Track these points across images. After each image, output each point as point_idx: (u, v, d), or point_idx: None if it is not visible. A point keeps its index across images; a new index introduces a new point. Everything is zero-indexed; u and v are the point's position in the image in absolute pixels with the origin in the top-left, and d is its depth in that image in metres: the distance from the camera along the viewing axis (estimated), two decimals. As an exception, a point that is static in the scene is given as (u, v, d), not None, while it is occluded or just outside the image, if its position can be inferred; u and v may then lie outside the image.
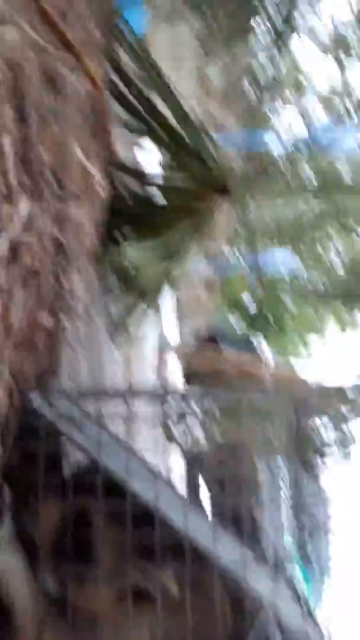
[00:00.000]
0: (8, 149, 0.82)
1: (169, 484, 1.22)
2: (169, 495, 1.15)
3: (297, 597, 1.16)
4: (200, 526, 1.11)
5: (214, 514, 1.47)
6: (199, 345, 5.45)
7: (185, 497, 1.14)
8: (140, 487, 1.06)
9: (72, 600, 0.97)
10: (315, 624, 1.19)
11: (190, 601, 0.97)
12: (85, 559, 0.98)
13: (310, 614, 1.21)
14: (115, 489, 1.06)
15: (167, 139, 2.38)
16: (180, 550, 1.01)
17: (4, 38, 0.78)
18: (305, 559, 1.41)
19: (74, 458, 1.14)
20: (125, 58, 2.36)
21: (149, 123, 2.37)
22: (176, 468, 2.76)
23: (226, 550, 1.09)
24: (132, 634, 0.93)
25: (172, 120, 2.38)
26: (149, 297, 2.36)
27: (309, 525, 1.39)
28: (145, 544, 1.01)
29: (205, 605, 0.97)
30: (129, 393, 1.32)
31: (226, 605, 1.02)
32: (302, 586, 1.46)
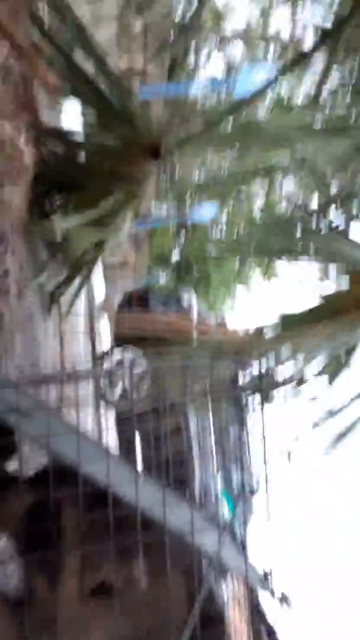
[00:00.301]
0: None
1: (119, 460, 1.28)
2: (122, 472, 1.21)
3: (219, 527, 1.27)
4: (126, 478, 1.18)
5: (144, 464, 1.56)
6: (128, 306, 5.45)
7: (135, 471, 1.20)
8: (93, 469, 1.11)
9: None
10: (238, 549, 1.32)
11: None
12: (46, 547, 1.03)
13: (233, 542, 1.34)
14: (68, 474, 1.10)
15: (93, 99, 2.28)
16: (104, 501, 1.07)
17: None
18: (230, 493, 1.55)
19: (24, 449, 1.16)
20: (46, 17, 2.19)
21: (74, 83, 2.25)
22: (110, 426, 2.85)
23: (149, 494, 1.16)
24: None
25: (98, 80, 2.27)
26: (82, 269, 2.32)
27: (235, 464, 1.53)
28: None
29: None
30: (68, 375, 1.34)
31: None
32: (230, 519, 1.59)
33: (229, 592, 1.32)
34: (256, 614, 1.26)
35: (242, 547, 1.31)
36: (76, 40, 2.19)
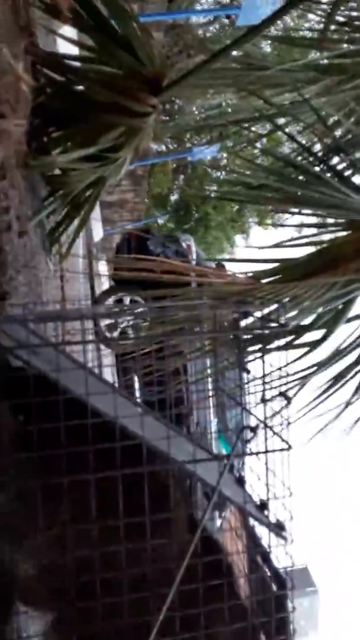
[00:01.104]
0: None
1: (125, 396, 1.31)
2: (126, 405, 1.24)
3: (217, 459, 1.33)
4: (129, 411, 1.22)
5: (143, 400, 1.61)
6: (127, 246, 5.39)
7: (139, 405, 1.24)
8: (100, 402, 1.14)
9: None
10: (235, 481, 1.39)
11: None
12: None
13: (232, 476, 1.41)
14: (76, 406, 1.13)
15: (92, 24, 2.14)
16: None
17: None
18: (225, 431, 1.60)
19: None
20: None
21: (73, 8, 2.10)
22: (109, 365, 2.91)
23: (152, 431, 1.22)
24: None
25: (98, 5, 2.12)
26: (81, 206, 2.27)
27: (228, 404, 1.57)
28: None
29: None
30: (71, 313, 1.34)
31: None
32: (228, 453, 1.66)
33: (226, 523, 1.39)
34: (252, 543, 1.33)
35: (240, 480, 1.37)
36: None
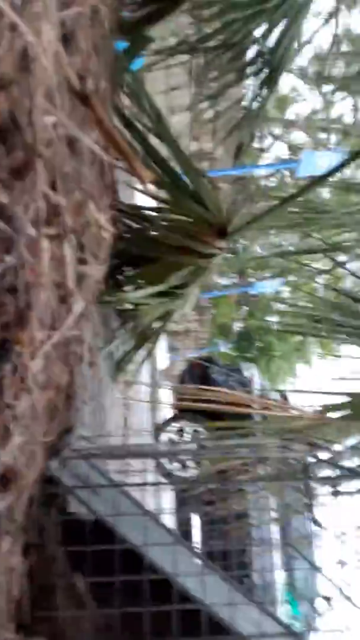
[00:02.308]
0: (69, 255, 0.82)
1: (186, 547, 1.20)
2: (185, 561, 1.14)
3: (287, 633, 1.15)
4: (190, 568, 1.11)
5: (205, 551, 1.46)
6: (189, 375, 5.45)
7: (199, 564, 1.12)
8: (157, 556, 1.05)
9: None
10: None
11: None
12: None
13: None
14: (133, 558, 1.05)
15: (167, 180, 2.42)
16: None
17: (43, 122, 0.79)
18: (295, 596, 1.40)
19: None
20: (121, 98, 2.41)
21: (147, 163, 2.40)
22: (167, 505, 2.74)
23: (214, 592, 1.08)
24: None
25: (170, 161, 2.42)
26: (150, 339, 2.36)
27: (299, 562, 1.39)
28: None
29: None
30: (133, 451, 1.31)
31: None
32: (294, 623, 1.44)
33: None
34: None
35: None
36: (153, 127, 2.37)
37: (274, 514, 2.22)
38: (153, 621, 1.04)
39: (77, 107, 1.23)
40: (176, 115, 3.28)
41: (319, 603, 1.25)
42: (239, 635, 1.05)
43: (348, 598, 1.04)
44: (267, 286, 6.75)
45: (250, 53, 3.13)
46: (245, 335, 10.54)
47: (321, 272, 4.02)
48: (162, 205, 2.56)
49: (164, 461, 3.47)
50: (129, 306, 2.31)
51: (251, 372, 5.95)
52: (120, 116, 2.23)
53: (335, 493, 1.40)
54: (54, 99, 0.86)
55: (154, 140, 2.44)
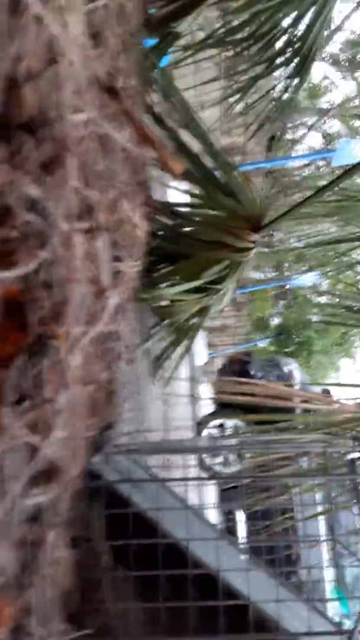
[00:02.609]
0: (102, 249, 0.82)
1: (230, 541, 1.19)
2: (230, 556, 1.12)
3: (339, 634, 1.12)
4: (236, 564, 1.09)
5: (250, 547, 1.43)
6: (228, 371, 5.42)
7: (245, 559, 1.11)
8: (201, 551, 1.04)
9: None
10: None
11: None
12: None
13: None
14: (176, 552, 1.04)
15: (199, 175, 2.40)
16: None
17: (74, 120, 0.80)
18: (344, 593, 1.36)
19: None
20: (151, 94, 2.42)
21: (178, 159, 2.39)
22: (211, 500, 2.73)
23: (260, 588, 1.06)
24: None
25: (202, 156, 2.40)
26: (187, 334, 2.35)
27: (347, 558, 1.34)
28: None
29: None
30: (175, 447, 1.31)
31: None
32: (343, 621, 1.39)
33: None
34: None
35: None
36: (183, 122, 2.36)
37: (319, 509, 2.17)
38: (199, 617, 1.03)
39: (107, 103, 1.24)
40: (206, 110, 3.25)
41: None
42: (286, 632, 1.03)
43: None
44: (305, 279, 6.62)
45: (280, 43, 3.07)
46: (283, 330, 10.39)
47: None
48: (195, 201, 2.55)
49: (206, 456, 3.45)
50: (165, 303, 2.31)
51: (290, 367, 5.85)
52: (150, 113, 2.23)
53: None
54: (83, 94, 0.86)
55: (184, 136, 2.44)
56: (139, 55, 1.85)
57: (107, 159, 1.08)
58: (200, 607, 1.03)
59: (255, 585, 1.04)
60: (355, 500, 1.37)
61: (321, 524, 2.22)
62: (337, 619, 1.36)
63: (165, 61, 2.78)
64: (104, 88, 1.06)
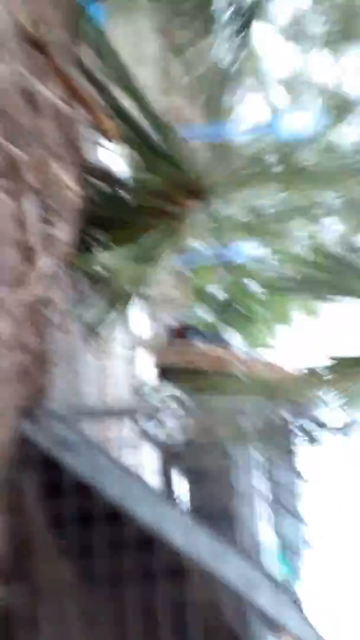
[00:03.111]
0: (29, 211, 0.78)
1: (168, 500, 1.22)
2: (171, 514, 1.15)
3: (274, 583, 1.19)
4: (176, 522, 1.13)
5: (190, 508, 1.49)
6: (169, 339, 5.46)
7: (185, 515, 1.14)
8: (139, 511, 1.06)
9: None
10: (295, 608, 1.23)
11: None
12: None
13: (289, 599, 1.24)
14: (114, 516, 1.05)
15: (137, 140, 2.34)
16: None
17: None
18: (281, 544, 1.45)
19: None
20: (86, 53, 2.30)
21: (113, 120, 2.31)
22: (150, 463, 2.78)
23: (202, 544, 1.11)
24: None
25: (140, 119, 2.33)
26: (122, 302, 2.33)
27: (283, 511, 1.43)
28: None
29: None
30: (113, 411, 1.31)
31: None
32: (280, 571, 1.50)
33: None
34: None
35: (298, 604, 1.21)
36: (119, 82, 2.27)
37: (257, 469, 2.26)
38: (141, 577, 1.06)
39: (33, 56, 1.16)
40: (143, 69, 3.14)
41: (303, 552, 1.29)
42: (225, 584, 1.07)
43: (332, 545, 1.08)
44: (246, 250, 6.72)
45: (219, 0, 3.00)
46: (224, 301, 10.55)
47: (301, 232, 4.00)
48: (131, 165, 2.48)
49: (143, 420, 3.48)
50: (100, 270, 2.26)
51: (231, 337, 5.99)
52: (81, 69, 2.12)
53: (314, 446, 1.44)
54: (5, 44, 0.80)
55: (119, 96, 2.34)
56: (70, 6, 1.75)
57: (34, 116, 1.02)
58: (141, 567, 1.05)
59: (194, 542, 1.08)
60: (289, 460, 1.44)
61: (259, 482, 2.32)
62: (273, 570, 1.45)
63: (98, 14, 2.65)
64: (29, 39, 1.00)
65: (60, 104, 1.16)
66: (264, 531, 2.21)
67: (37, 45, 1.16)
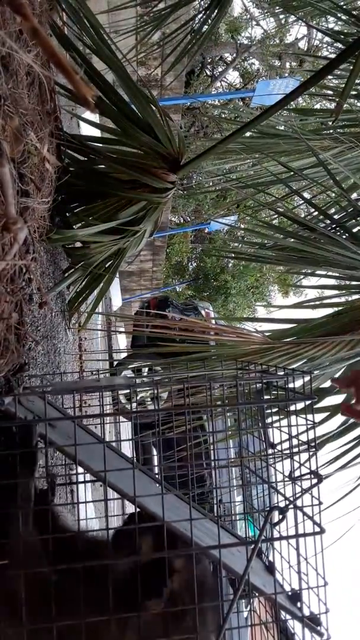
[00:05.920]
0: (6, 180, 0.75)
1: (143, 470, 1.24)
2: (146, 483, 1.17)
3: (243, 544, 1.24)
4: (151, 491, 1.16)
5: (164, 476, 1.53)
6: (146, 314, 5.46)
7: (159, 484, 1.17)
8: (117, 481, 1.08)
9: None
10: (265, 570, 1.28)
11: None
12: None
13: (263, 564, 1.30)
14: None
15: (113, 108, 2.28)
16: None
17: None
18: (251, 510, 1.51)
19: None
20: (63, 21, 2.21)
21: (97, 96, 2.24)
22: (125, 433, 2.82)
23: (173, 510, 1.14)
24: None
25: (117, 87, 2.27)
26: (101, 277, 2.31)
27: (254, 479, 1.48)
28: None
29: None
30: (90, 385, 1.31)
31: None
32: (249, 535, 1.55)
33: (255, 616, 1.27)
34: (284, 639, 1.20)
35: (269, 567, 1.26)
36: (95, 49, 2.20)
37: (228, 435, 2.31)
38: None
39: (8, 17, 1.12)
40: (121, 38, 3.05)
41: (273, 515, 1.33)
42: (197, 546, 1.10)
43: (299, 509, 1.12)
44: (222, 223, 6.70)
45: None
46: (200, 274, 10.57)
47: (276, 199, 3.99)
48: (109, 136, 2.43)
49: (121, 394, 3.52)
50: (79, 245, 2.23)
51: (207, 310, 6.01)
52: (58, 36, 2.05)
53: (285, 414, 1.47)
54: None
55: (97, 65, 2.27)
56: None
57: (10, 81, 0.99)
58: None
59: (169, 509, 1.10)
60: (261, 426, 1.48)
61: (231, 450, 2.38)
62: (243, 533, 1.50)
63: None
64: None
65: (39, 70, 1.12)
66: (237, 497, 2.29)
67: (13, 6, 1.11)
